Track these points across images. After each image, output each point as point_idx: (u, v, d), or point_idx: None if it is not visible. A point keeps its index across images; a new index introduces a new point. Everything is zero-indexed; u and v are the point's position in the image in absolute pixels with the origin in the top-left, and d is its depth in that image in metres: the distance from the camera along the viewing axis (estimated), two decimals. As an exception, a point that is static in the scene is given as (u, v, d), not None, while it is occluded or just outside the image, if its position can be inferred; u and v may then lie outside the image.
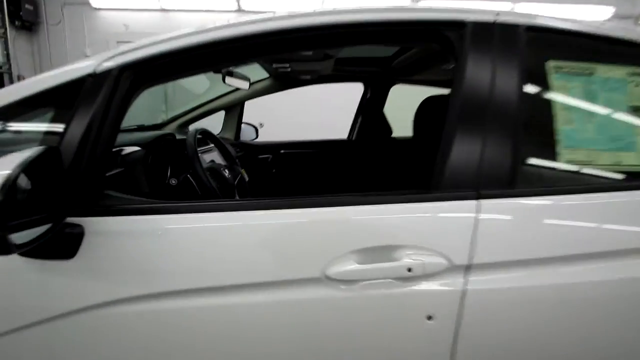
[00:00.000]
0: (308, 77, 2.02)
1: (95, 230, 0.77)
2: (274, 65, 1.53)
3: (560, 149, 0.84)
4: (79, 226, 0.76)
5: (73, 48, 4.82)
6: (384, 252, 0.77)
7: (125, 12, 4.85)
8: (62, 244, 0.75)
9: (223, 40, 0.85)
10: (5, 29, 4.35)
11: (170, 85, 4.71)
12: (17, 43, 4.59)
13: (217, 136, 2.36)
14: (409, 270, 0.75)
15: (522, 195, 0.82)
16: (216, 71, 1.57)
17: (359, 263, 0.77)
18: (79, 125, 0.80)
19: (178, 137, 1.39)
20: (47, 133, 0.86)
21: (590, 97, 0.88)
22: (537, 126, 0.88)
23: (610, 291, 0.79)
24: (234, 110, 2.35)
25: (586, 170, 0.84)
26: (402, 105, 2.62)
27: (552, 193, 0.82)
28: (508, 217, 0.80)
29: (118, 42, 5.04)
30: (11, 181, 0.61)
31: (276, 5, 4.35)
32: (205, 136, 1.35)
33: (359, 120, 2.41)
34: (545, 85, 0.86)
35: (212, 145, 1.56)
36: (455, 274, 0.77)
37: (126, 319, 0.79)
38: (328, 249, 0.77)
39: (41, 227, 0.69)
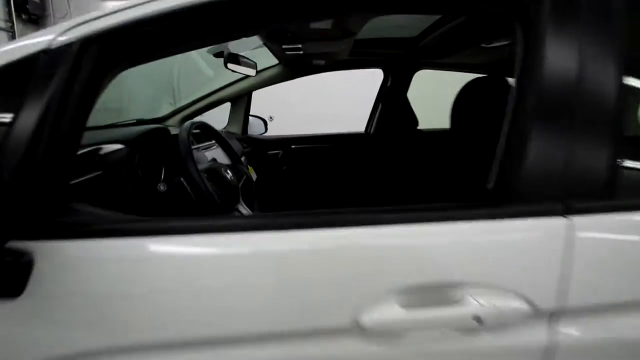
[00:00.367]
0: (322, 62, 1.80)
1: (50, 259, 0.58)
2: (284, 47, 1.31)
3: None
4: (27, 254, 0.57)
5: None
6: (439, 292, 0.56)
7: (132, 2, 4.71)
8: (1, 278, 0.56)
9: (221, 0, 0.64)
10: (12, 22, 4.23)
11: (178, 74, 4.56)
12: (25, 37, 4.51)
13: (222, 130, 2.18)
14: (477, 319, 0.54)
15: (628, 208, 0.59)
16: (218, 54, 1.36)
17: (403, 307, 0.55)
18: (28, 118, 0.60)
19: (174, 132, 1.19)
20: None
21: None
22: None
23: None
24: (241, 101, 2.14)
25: None
26: (425, 94, 2.38)
27: None
28: (612, 238, 0.57)
29: None
30: None
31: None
32: (205, 131, 1.13)
33: (378, 111, 2.18)
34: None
35: (213, 141, 1.37)
36: (540, 323, 0.55)
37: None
38: (360, 287, 0.56)
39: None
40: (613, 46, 0.61)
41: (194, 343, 0.58)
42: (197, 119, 2.13)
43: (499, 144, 0.67)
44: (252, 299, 0.57)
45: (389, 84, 2.05)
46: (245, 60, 1.42)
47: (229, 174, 1.09)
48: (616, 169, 0.60)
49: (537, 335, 0.55)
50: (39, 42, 0.64)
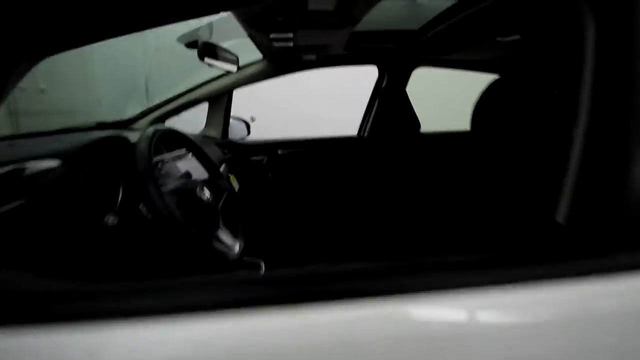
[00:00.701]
0: (313, 57, 1.59)
1: None
2: (273, 37, 1.09)
3: None
4: None
5: None
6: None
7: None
8: None
9: None
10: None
11: (149, 68, 4.26)
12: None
13: (198, 135, 1.94)
14: None
15: None
16: (191, 45, 1.12)
17: None
18: None
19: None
20: None
21: None
22: None
23: None
24: (220, 101, 1.90)
25: None
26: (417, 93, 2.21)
27: None
28: None
29: None
30: None
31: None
32: (173, 138, 0.90)
33: (373, 112, 1.99)
34: None
35: (184, 150, 1.14)
36: None
37: None
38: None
39: None
40: None
41: None
42: (172, 121, 1.88)
43: (571, 161, 0.49)
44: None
45: (384, 83, 1.86)
46: (224, 53, 1.19)
47: (206, 194, 0.86)
48: None
49: None
50: None
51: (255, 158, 1.99)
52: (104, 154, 0.80)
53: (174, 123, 1.88)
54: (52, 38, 0.46)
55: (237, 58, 1.28)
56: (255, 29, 1.05)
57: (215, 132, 1.96)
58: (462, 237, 1.07)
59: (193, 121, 2.02)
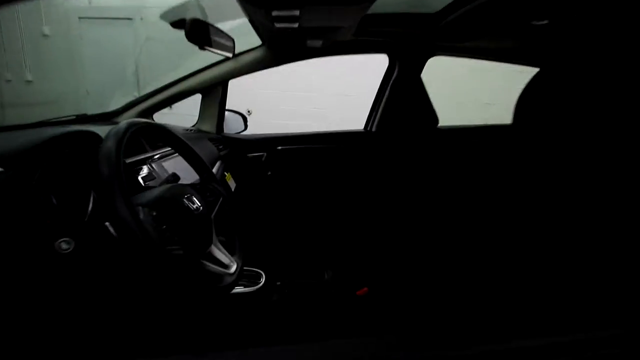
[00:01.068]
0: (318, 43, 1.42)
1: None
2: (275, 15, 0.92)
3: None
4: None
5: (28, 27, 4.28)
6: None
7: (86, -19, 4.21)
8: None
9: None
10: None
11: (140, 58, 4.09)
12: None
13: (191, 129, 1.77)
14: None
15: None
16: (177, 24, 0.95)
17: None
18: None
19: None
20: None
21: None
22: None
23: None
24: (214, 92, 1.73)
25: None
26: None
27: None
28: None
29: (80, 18, 4.39)
30: None
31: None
32: (156, 134, 0.72)
33: (382, 105, 1.82)
34: None
35: (169, 149, 0.98)
36: None
37: None
38: None
39: None
40: None
41: None
42: (163, 114, 1.70)
43: None
44: None
45: (395, 73, 1.69)
46: (217, 33, 1.01)
47: (195, 202, 0.70)
48: None
49: None
50: None
51: (253, 154, 1.82)
52: (65, 155, 0.63)
53: (166, 116, 1.71)
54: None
55: (233, 40, 1.11)
56: (254, 5, 0.88)
57: (209, 126, 1.79)
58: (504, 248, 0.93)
59: (188, 114, 1.85)
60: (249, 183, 1.84)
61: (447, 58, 1.70)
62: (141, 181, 0.90)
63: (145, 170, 0.91)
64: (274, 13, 0.92)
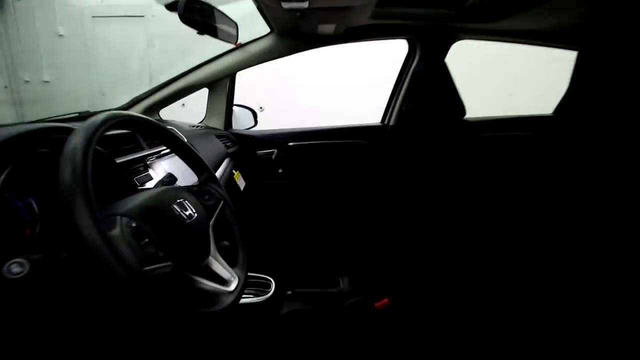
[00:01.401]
0: (331, 29, 1.29)
1: None
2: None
3: None
4: None
5: (44, 26, 4.35)
6: None
7: (101, -18, 4.25)
8: None
9: None
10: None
11: (152, 56, 4.08)
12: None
13: (198, 125, 1.68)
14: None
15: None
16: (171, 6, 0.85)
17: None
18: None
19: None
20: None
21: None
22: None
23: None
24: (221, 86, 1.63)
25: None
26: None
27: None
28: None
29: (94, 17, 4.40)
30: None
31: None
32: (141, 129, 0.62)
33: (400, 96, 1.69)
34: None
35: (163, 148, 0.88)
36: None
37: None
38: None
39: None
40: None
41: None
42: (170, 109, 1.62)
43: None
44: None
45: (416, 60, 1.56)
46: (219, 19, 0.91)
47: (188, 209, 0.60)
48: None
49: None
50: None
51: (263, 152, 1.72)
52: (40, 155, 0.54)
53: (175, 114, 1.63)
54: None
55: (236, 25, 1.00)
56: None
57: (216, 123, 1.70)
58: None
59: (202, 113, 1.76)
60: (259, 182, 1.75)
61: (466, 44, 1.55)
62: (137, 183, 0.81)
63: (141, 170, 0.82)
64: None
